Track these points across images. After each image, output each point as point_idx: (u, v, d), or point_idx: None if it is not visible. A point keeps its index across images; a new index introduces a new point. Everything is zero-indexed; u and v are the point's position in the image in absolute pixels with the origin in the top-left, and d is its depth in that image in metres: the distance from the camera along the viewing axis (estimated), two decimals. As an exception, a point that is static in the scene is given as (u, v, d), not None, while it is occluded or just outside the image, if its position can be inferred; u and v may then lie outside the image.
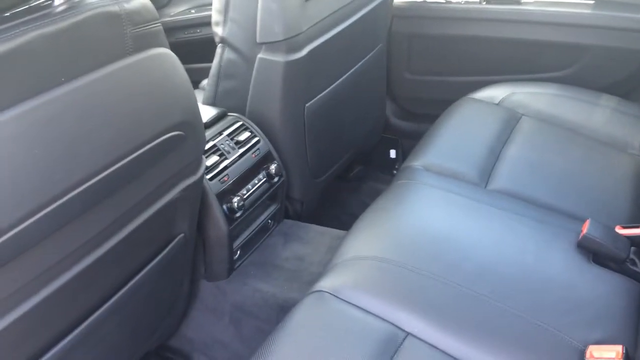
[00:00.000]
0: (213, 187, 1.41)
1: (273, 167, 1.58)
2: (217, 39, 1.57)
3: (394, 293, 1.12)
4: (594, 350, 0.99)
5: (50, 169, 0.84)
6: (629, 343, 1.02)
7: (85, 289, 1.02)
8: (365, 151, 2.18)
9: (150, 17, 0.98)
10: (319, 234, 1.69)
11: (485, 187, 1.45)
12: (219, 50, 1.58)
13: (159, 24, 1.00)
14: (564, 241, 1.24)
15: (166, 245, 1.21)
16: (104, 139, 0.91)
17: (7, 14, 0.84)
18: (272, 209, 1.66)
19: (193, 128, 1.10)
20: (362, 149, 2.12)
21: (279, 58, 1.48)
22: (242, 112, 1.61)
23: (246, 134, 1.56)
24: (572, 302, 1.10)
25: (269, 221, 1.66)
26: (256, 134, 1.58)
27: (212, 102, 1.64)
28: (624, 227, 1.25)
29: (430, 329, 1.04)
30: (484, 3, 2.03)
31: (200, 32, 2.31)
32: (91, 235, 0.96)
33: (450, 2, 2.06)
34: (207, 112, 1.54)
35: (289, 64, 1.49)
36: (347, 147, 1.96)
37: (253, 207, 1.53)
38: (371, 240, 1.27)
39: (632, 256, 1.19)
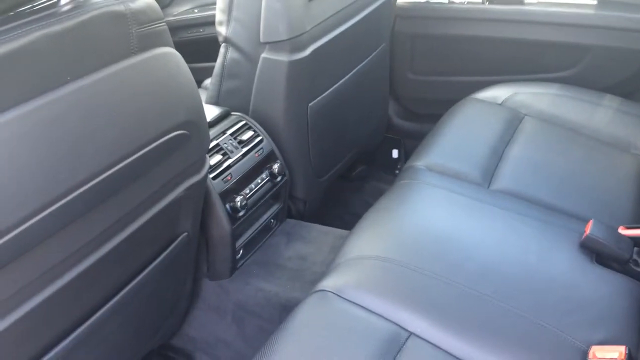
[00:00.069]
0: (216, 186, 1.42)
1: (276, 167, 1.59)
2: (220, 39, 1.57)
3: (397, 293, 1.12)
4: (596, 351, 0.99)
5: (54, 169, 0.84)
6: (632, 343, 1.02)
7: (88, 288, 1.02)
8: (368, 151, 2.18)
9: (156, 17, 0.98)
10: (321, 234, 1.69)
11: (488, 187, 1.45)
12: (222, 49, 1.58)
13: (164, 24, 1.00)
14: (566, 241, 1.24)
15: (169, 244, 1.21)
16: (109, 138, 0.91)
17: (12, 14, 0.85)
18: (274, 208, 1.66)
19: (197, 127, 1.10)
20: (365, 149, 2.12)
21: (283, 57, 1.49)
22: (246, 112, 1.61)
23: (249, 133, 1.56)
24: (575, 303, 1.10)
25: (272, 220, 1.67)
26: (259, 133, 1.59)
27: (215, 102, 1.64)
28: (627, 228, 1.25)
29: (433, 329, 1.04)
30: (487, 3, 2.03)
31: (203, 32, 2.31)
32: (95, 234, 0.96)
33: (453, 3, 2.06)
34: (210, 112, 1.54)
35: (293, 64, 1.49)
36: (350, 146, 1.97)
37: (256, 206, 1.54)
38: (374, 239, 1.28)
39: (635, 257, 1.19)
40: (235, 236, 1.47)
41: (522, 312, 1.06)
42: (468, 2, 2.05)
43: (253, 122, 1.59)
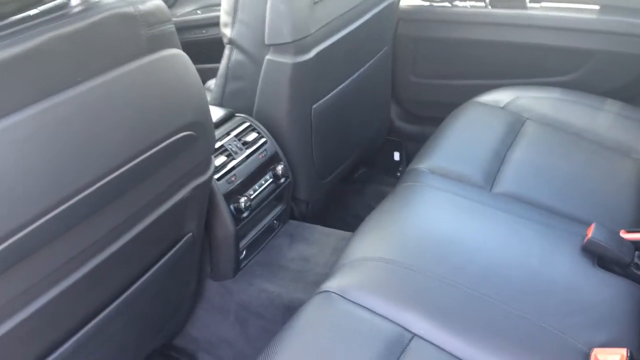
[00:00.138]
0: (221, 187, 1.42)
1: (280, 168, 1.59)
2: (225, 40, 1.58)
3: (400, 294, 1.13)
4: (598, 353, 1.00)
5: (61, 170, 0.84)
6: (634, 346, 1.03)
7: (93, 289, 1.03)
8: (370, 153, 2.19)
9: (164, 18, 0.99)
10: (324, 235, 1.70)
11: (491, 190, 1.46)
12: (227, 51, 1.59)
13: (172, 25, 1.01)
14: (568, 245, 1.25)
15: (174, 245, 1.22)
16: (117, 139, 0.92)
17: (23, 15, 0.85)
18: (278, 209, 1.67)
19: (204, 128, 1.11)
20: (367, 151, 2.13)
21: (287, 60, 1.49)
22: (250, 113, 1.62)
23: (253, 135, 1.57)
24: (576, 305, 1.11)
25: (275, 222, 1.67)
26: (263, 134, 1.59)
27: (219, 103, 1.65)
28: (628, 232, 1.26)
29: (436, 330, 1.05)
30: (490, 7, 2.04)
31: (207, 33, 2.31)
32: (101, 235, 0.97)
33: (456, 6, 2.07)
34: (215, 113, 1.55)
35: (297, 66, 1.50)
36: (352, 148, 1.97)
37: (259, 207, 1.54)
38: (378, 241, 1.28)
39: (636, 260, 1.20)
40: (238, 237, 1.48)
41: (525, 314, 1.07)
42: (471, 6, 2.06)
43: (257, 124, 1.60)
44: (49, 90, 0.82)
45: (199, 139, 1.09)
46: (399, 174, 2.33)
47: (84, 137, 0.87)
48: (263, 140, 1.58)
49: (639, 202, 1.43)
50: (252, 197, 1.50)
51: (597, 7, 1.95)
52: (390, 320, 1.07)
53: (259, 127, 1.60)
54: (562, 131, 1.68)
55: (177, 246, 1.22)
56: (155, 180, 1.04)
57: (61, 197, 0.84)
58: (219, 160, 1.46)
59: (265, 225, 1.61)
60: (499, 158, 1.56)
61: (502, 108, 1.79)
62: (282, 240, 1.68)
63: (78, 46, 0.86)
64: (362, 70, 1.82)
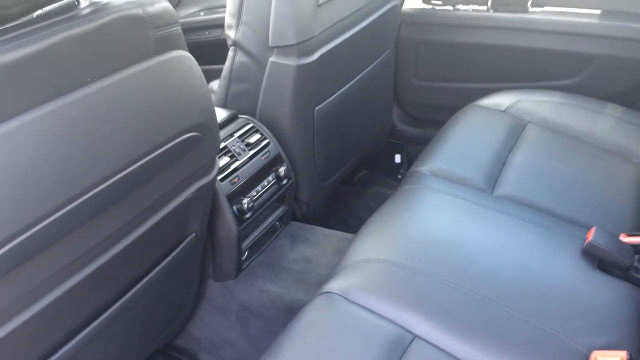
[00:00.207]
0: (224, 188, 1.43)
1: (282, 170, 1.60)
2: (229, 42, 1.59)
3: (402, 296, 1.13)
4: (598, 356, 1.00)
5: (68, 171, 0.85)
6: (633, 349, 1.04)
7: (97, 290, 1.03)
8: (372, 155, 2.19)
9: (172, 20, 1.00)
10: (325, 237, 1.70)
11: (492, 193, 1.47)
12: (231, 53, 1.60)
13: (179, 27, 1.02)
14: (569, 248, 1.26)
15: (178, 245, 1.22)
16: (123, 140, 0.93)
17: (33, 16, 0.86)
18: (280, 210, 1.68)
19: (209, 129, 1.11)
20: (369, 153, 2.14)
21: (291, 62, 1.50)
22: (253, 115, 1.63)
23: (257, 136, 1.58)
24: (577, 308, 1.11)
25: (277, 223, 1.68)
26: (266, 136, 1.60)
27: (222, 104, 1.66)
28: (629, 235, 1.26)
29: (437, 332, 1.05)
30: (492, 11, 2.05)
31: (210, 35, 2.32)
32: (105, 235, 0.97)
33: (458, 10, 2.08)
34: (218, 114, 1.55)
35: (300, 68, 1.51)
36: (354, 150, 1.98)
37: (262, 208, 1.55)
38: (379, 243, 1.29)
39: (636, 264, 1.21)
40: (241, 238, 1.49)
41: (526, 317, 1.08)
42: (473, 10, 2.07)
43: (260, 125, 1.61)
44: (58, 91, 0.83)
45: (204, 140, 1.10)
46: (400, 176, 2.33)
47: (90, 138, 0.87)
48: (266, 141, 1.59)
49: (639, 206, 1.44)
50: (254, 198, 1.51)
51: (598, 11, 1.96)
52: (392, 322, 1.07)
53: (262, 128, 1.60)
54: (563, 135, 1.68)
55: (180, 247, 1.23)
56: (160, 181, 1.05)
57: (66, 199, 0.85)
58: (222, 161, 1.46)
59: (267, 226, 1.62)
60: (500, 161, 1.56)
61: (504, 111, 1.79)
62: (284, 242, 1.68)
63: (87, 47, 0.87)
64: (364, 72, 1.83)
